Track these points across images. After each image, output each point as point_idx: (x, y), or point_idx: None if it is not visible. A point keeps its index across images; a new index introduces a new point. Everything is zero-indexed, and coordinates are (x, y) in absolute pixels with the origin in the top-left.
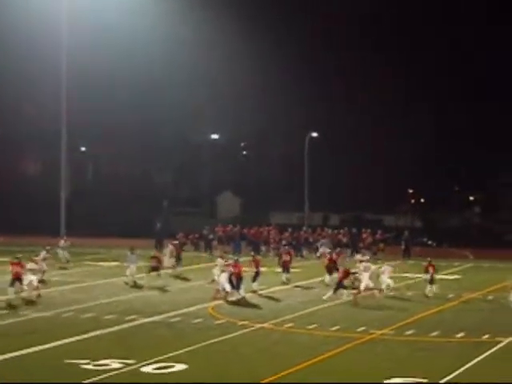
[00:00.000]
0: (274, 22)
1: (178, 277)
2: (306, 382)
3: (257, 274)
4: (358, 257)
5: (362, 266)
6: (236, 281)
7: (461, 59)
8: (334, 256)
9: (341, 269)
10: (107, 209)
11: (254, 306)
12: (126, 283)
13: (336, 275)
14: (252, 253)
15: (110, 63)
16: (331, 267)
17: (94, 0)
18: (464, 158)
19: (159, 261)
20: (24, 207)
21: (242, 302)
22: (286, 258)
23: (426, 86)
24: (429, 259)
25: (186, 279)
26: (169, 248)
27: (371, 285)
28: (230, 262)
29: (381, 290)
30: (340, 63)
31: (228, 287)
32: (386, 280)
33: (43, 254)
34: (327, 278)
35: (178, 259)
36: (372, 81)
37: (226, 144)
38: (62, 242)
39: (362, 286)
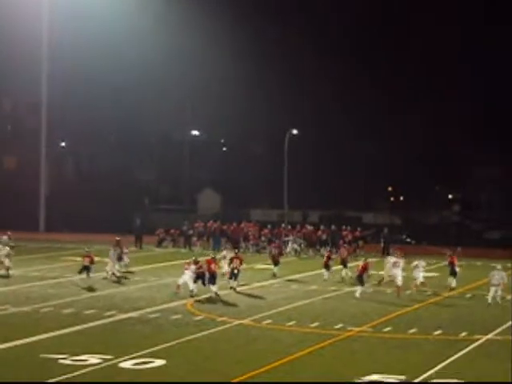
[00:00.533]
0: (256, 20)
1: (157, 273)
2: (282, 382)
3: (238, 271)
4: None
5: (391, 261)
6: (209, 277)
7: (443, 59)
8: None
9: (360, 263)
10: (87, 205)
11: (233, 302)
12: (105, 278)
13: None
14: (236, 250)
15: (92, 59)
16: (329, 264)
17: None
18: (444, 156)
19: (92, 260)
20: (2, 203)
21: (220, 299)
22: (275, 251)
23: (409, 85)
24: (449, 252)
25: (165, 275)
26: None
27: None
28: (189, 260)
29: (416, 285)
30: (322, 62)
31: (193, 286)
32: (419, 275)
33: (6, 250)
34: (325, 274)
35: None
36: (354, 79)
37: (207, 141)
38: (3, 238)
39: (400, 281)
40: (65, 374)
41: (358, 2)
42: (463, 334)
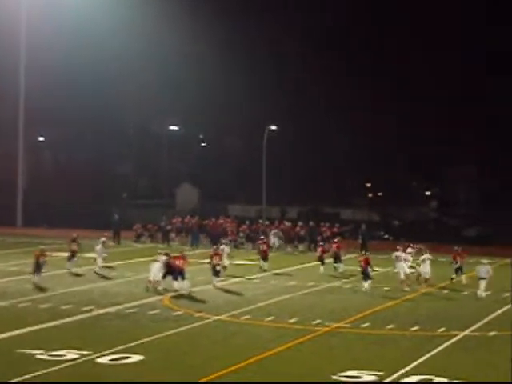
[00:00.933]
0: (236, 14)
1: (135, 268)
2: (256, 382)
3: (219, 267)
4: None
5: (422, 257)
6: (178, 273)
7: (421, 57)
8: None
9: (362, 258)
10: (65, 199)
11: (212, 298)
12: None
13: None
14: (215, 246)
15: (69, 51)
16: (323, 258)
17: None
18: (422, 152)
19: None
20: None
21: (187, 295)
22: (263, 247)
23: (387, 82)
24: (456, 248)
25: (143, 270)
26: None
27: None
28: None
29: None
30: (300, 57)
31: (159, 276)
32: (426, 269)
33: None
34: (321, 268)
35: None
36: (332, 76)
37: (185, 135)
38: None
39: (428, 275)
40: (42, 370)
41: None
42: (441, 329)
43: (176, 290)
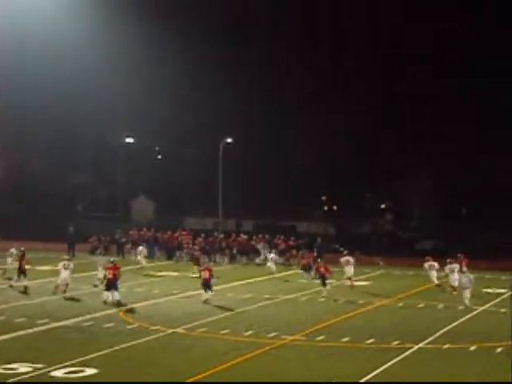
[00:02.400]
0: (193, 23)
1: (90, 281)
2: None
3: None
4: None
5: (448, 267)
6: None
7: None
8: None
9: (321, 266)
10: (18, 210)
11: (167, 310)
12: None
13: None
14: (206, 259)
15: (25, 61)
16: (308, 266)
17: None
18: (377, 165)
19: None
20: None
21: (152, 307)
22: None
23: (340, 94)
24: (459, 255)
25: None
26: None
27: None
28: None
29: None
30: (255, 67)
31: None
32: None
33: None
34: (305, 275)
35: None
36: (287, 87)
37: (141, 148)
38: None
39: (457, 283)
40: None
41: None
42: (395, 342)
43: (105, 302)
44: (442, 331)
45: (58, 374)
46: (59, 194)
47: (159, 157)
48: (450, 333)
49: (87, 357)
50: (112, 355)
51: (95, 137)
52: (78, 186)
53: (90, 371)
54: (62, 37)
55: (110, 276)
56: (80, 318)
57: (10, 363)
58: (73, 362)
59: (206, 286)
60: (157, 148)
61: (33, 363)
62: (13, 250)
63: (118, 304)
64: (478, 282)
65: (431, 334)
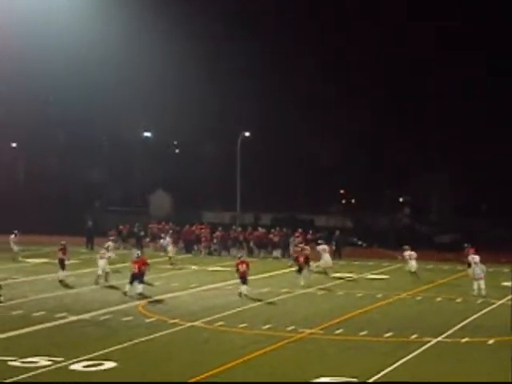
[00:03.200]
0: (206, 19)
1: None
2: (234, 382)
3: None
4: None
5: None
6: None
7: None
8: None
9: (302, 255)
10: (37, 205)
11: (185, 304)
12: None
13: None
14: (239, 255)
15: (42, 58)
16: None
17: None
18: (396, 159)
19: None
20: None
21: (170, 301)
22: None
23: (360, 85)
24: (466, 245)
25: (116, 277)
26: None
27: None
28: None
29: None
30: (276, 62)
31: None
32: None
33: None
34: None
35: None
36: (308, 80)
37: (159, 142)
38: None
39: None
40: (15, 377)
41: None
42: (414, 336)
43: (131, 294)
44: (460, 325)
45: (78, 367)
46: (77, 189)
47: (177, 151)
48: (469, 326)
49: (106, 350)
50: (131, 349)
51: (113, 131)
52: (96, 180)
53: (108, 364)
54: (78, 34)
55: (136, 270)
56: (98, 312)
57: (29, 357)
58: (92, 355)
59: (243, 279)
60: (175, 142)
61: (52, 357)
62: (110, 243)
63: (140, 296)
64: (496, 275)
65: (449, 327)
